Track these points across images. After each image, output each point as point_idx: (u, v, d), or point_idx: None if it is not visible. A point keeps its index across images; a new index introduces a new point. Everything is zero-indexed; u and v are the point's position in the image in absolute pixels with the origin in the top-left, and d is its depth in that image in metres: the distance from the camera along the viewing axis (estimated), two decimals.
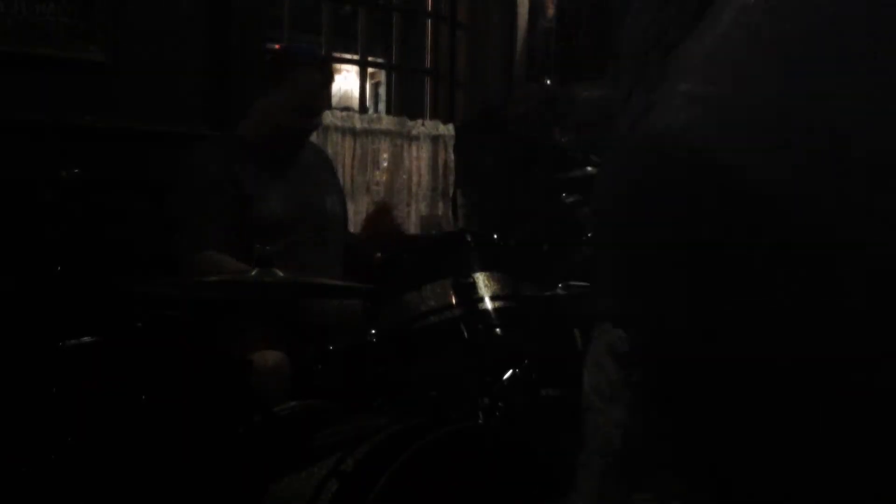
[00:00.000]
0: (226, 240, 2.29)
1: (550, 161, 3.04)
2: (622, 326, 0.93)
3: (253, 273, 1.77)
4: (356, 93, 3.96)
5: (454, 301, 1.91)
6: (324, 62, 2.68)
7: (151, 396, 2.16)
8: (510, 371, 2.27)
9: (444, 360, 2.02)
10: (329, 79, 2.58)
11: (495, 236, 2.10)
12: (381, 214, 2.68)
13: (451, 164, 3.90)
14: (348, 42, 4.80)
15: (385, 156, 3.74)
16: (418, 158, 3.82)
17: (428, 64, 4.12)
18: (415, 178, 3.82)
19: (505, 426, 1.99)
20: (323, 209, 2.52)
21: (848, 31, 0.83)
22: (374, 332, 1.94)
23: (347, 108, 5.17)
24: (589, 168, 2.78)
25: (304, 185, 2.50)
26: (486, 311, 1.93)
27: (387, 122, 3.75)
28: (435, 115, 4.00)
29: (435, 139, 3.87)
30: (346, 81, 8.30)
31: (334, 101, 5.35)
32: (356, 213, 3.61)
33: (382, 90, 8.19)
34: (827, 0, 0.86)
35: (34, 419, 2.17)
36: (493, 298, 1.95)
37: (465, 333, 1.89)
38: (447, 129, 3.90)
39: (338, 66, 7.64)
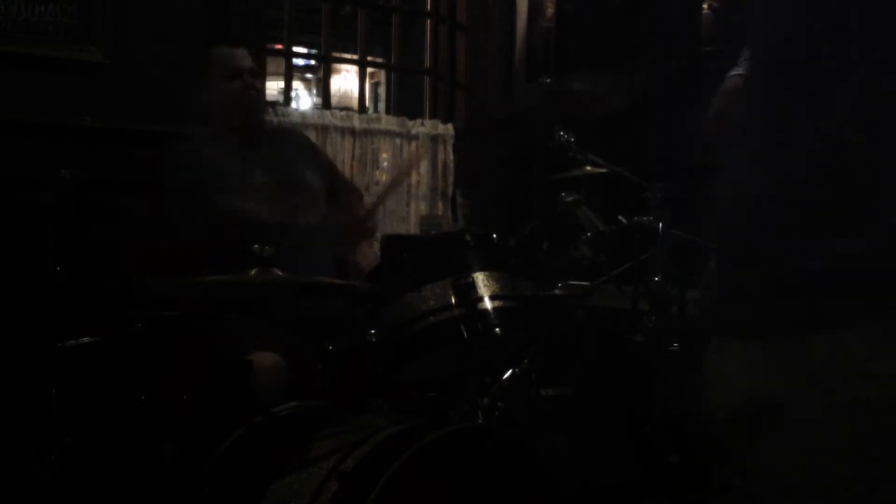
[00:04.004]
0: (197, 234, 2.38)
1: (550, 161, 3.03)
2: None
3: (253, 272, 1.77)
4: (356, 93, 3.95)
5: (454, 301, 1.91)
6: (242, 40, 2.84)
7: (151, 396, 2.16)
8: (510, 371, 2.28)
9: (444, 360, 2.02)
10: (249, 49, 2.67)
11: (495, 236, 2.09)
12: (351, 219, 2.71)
13: (451, 164, 3.90)
14: (348, 42, 4.80)
15: (385, 156, 3.74)
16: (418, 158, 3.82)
17: (428, 64, 4.12)
18: (415, 178, 3.82)
19: (505, 426, 1.99)
20: (304, 181, 2.56)
21: None
22: (374, 332, 1.93)
23: (347, 108, 5.18)
24: (589, 168, 2.77)
25: (280, 162, 2.58)
26: (486, 311, 1.92)
27: (386, 122, 3.75)
28: (435, 115, 4.00)
29: (435, 139, 3.87)
30: (346, 81, 8.31)
31: (334, 101, 5.36)
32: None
33: (382, 90, 8.21)
34: None
35: (34, 419, 2.18)
36: (492, 298, 1.94)
37: (465, 333, 1.88)
38: (447, 129, 3.90)
39: (338, 66, 7.67)
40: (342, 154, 3.57)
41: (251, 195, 2.43)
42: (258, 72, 2.61)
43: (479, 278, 1.94)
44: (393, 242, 2.74)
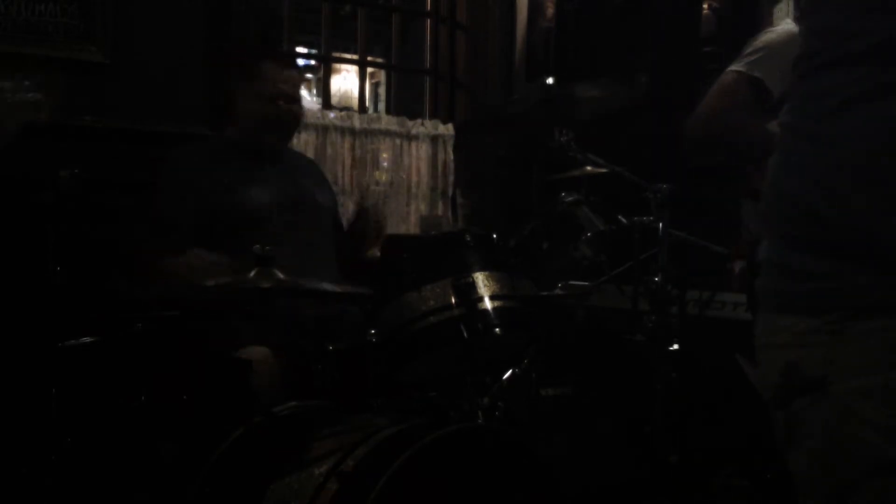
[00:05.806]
0: (205, 238, 2.33)
1: (550, 161, 3.03)
2: None
3: (252, 274, 1.77)
4: (356, 93, 3.96)
5: (454, 301, 1.91)
6: (290, 55, 2.84)
7: (151, 396, 2.16)
8: (510, 371, 2.28)
9: (444, 360, 2.02)
10: (299, 71, 2.65)
11: (495, 236, 2.09)
12: (363, 216, 2.69)
13: (451, 164, 3.90)
14: (348, 42, 4.80)
15: (385, 156, 3.74)
16: (418, 158, 3.82)
17: (428, 64, 4.12)
18: (415, 178, 3.82)
19: (505, 426, 1.99)
20: (312, 197, 2.55)
21: None
22: (373, 332, 1.93)
23: (347, 108, 5.18)
24: (589, 168, 2.77)
25: (290, 177, 2.55)
26: (486, 311, 1.93)
27: (386, 121, 3.75)
28: (435, 115, 4.00)
29: (435, 139, 3.87)
30: (346, 81, 8.31)
31: (334, 101, 5.37)
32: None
33: (382, 90, 8.22)
34: None
35: (34, 419, 2.17)
36: (492, 298, 1.94)
37: (465, 333, 1.88)
38: (447, 129, 3.90)
39: (338, 66, 7.68)
40: (342, 154, 3.57)
41: (256, 206, 2.41)
42: (300, 97, 2.60)
43: (479, 278, 1.94)
44: (393, 242, 2.73)
